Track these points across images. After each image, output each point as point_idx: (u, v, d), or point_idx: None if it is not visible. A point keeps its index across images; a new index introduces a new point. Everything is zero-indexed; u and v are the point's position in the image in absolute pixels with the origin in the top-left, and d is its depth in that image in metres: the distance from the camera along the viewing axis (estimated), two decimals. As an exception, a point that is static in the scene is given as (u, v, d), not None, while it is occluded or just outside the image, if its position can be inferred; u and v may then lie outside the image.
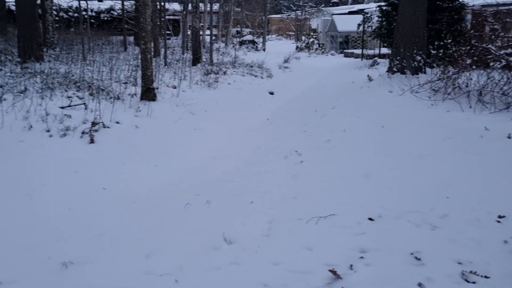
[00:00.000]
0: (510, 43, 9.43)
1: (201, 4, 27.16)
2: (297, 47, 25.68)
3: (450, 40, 14.62)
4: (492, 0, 17.94)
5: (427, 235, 3.34)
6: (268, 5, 25.00)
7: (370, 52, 19.22)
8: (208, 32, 33.53)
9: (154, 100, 8.52)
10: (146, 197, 4.59)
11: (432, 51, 14.12)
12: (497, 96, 8.44)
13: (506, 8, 16.53)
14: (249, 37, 24.51)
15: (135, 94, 8.97)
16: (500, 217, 3.64)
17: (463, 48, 10.17)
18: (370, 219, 3.60)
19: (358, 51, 20.53)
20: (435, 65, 12.79)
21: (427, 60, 13.08)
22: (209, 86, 11.36)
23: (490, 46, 8.86)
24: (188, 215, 3.99)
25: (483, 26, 15.83)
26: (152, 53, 8.74)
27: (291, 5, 35.37)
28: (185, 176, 5.31)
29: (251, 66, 14.85)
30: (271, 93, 11.59)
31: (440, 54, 13.80)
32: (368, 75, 11.32)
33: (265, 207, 3.93)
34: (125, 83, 10.31)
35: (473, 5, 21.27)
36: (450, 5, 16.22)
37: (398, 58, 11.13)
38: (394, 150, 5.40)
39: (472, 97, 8.54)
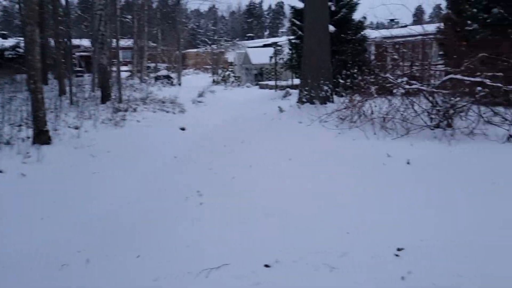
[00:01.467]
0: (406, 72, 9.95)
1: (114, 40, 26.41)
2: (213, 80, 25.66)
3: (356, 70, 15.32)
4: (389, 33, 19.21)
5: (325, 278, 3.11)
6: (182, 40, 24.91)
7: (284, 83, 19.62)
8: (121, 68, 32.64)
9: (48, 143, 7.79)
10: (17, 259, 3.95)
11: (341, 81, 14.67)
12: (399, 122, 8.76)
13: (402, 40, 17.76)
14: (164, 72, 24.12)
15: (28, 137, 8.17)
16: (398, 249, 3.52)
17: (366, 77, 10.55)
18: (267, 265, 3.31)
19: (272, 83, 20.91)
20: (343, 94, 13.24)
21: (336, 89, 13.52)
22: (116, 124, 10.76)
23: (388, 75, 9.24)
24: (61, 277, 3.44)
25: (385, 56, 16.78)
26: (43, 93, 8.02)
27: (207, 39, 35.64)
28: (69, 231, 4.70)
29: (163, 102, 14.43)
30: (183, 129, 11.22)
31: (348, 83, 14.37)
32: (279, 107, 11.37)
33: (152, 261, 3.50)
34: (19, 125, 9.44)
35: (376, 37, 22.71)
36: (354, 37, 17.09)
37: (307, 88, 11.32)
38: (299, 184, 5.23)
39: (377, 124, 8.78)
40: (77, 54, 36.37)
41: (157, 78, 23.73)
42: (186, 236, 3.93)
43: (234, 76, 25.12)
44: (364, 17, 16.82)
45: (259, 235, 3.85)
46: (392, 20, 31.51)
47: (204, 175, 6.24)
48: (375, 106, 9.62)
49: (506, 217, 4.15)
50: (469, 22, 13.46)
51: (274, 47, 19.62)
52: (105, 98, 14.44)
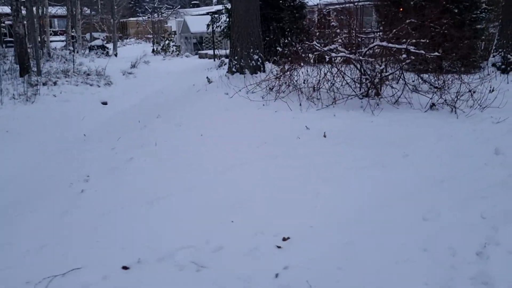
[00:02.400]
0: (335, 39, 9.56)
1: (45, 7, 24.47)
2: (153, 50, 24.44)
3: (294, 38, 14.84)
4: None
5: (188, 281, 2.68)
6: (116, 7, 23.37)
7: (223, 52, 18.89)
8: (54, 38, 30.54)
9: None
10: None
11: (279, 49, 14.18)
12: (327, 92, 8.43)
13: (340, 6, 17.37)
14: (98, 42, 22.65)
15: None
16: (284, 239, 3.14)
17: (297, 45, 10.10)
18: (125, 267, 2.83)
19: (212, 52, 20.12)
20: (281, 63, 12.78)
21: (275, 58, 13.03)
22: (27, 100, 9.81)
23: (314, 42, 8.82)
24: None
25: (324, 23, 16.32)
26: None
27: (147, 7, 33.93)
28: None
29: (88, 74, 13.42)
30: (104, 103, 10.43)
31: (286, 52, 13.91)
32: (207, 77, 10.77)
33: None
34: None
35: (318, 4, 22.24)
36: (292, 4, 16.55)
37: (236, 58, 10.75)
38: (198, 164, 4.76)
39: (305, 94, 8.42)
40: (7, 22, 33.77)
41: (91, 48, 22.28)
42: (46, 234, 3.38)
43: (175, 46, 24.00)
44: (301, -18, 16.26)
45: (130, 228, 3.36)
46: (336, -14, 30.90)
47: (103, 156, 5.64)
48: (307, 75, 9.25)
49: (407, 196, 3.87)
50: (403, -13, 13.23)
51: (211, 15, 18.75)
52: (23, 71, 13.26)
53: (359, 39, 8.93)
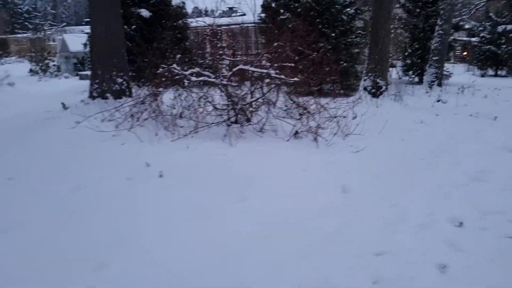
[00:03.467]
0: (201, 62, 8.84)
1: None
2: (30, 70, 22.16)
3: (176, 59, 14.02)
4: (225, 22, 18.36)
5: None
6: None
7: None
8: None
9: None
10: None
11: (159, 71, 13.22)
12: (193, 119, 7.59)
13: (226, 28, 16.95)
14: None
15: None
16: None
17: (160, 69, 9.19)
18: None
19: (94, 73, 18.54)
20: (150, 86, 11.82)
21: (155, 81, 12.06)
22: None
23: (174, 66, 8.01)
24: None
25: (205, 44, 15.65)
26: None
27: (27, 23, 31.11)
28: None
29: None
30: None
31: (167, 74, 12.99)
32: (62, 103, 9.46)
33: None
34: None
35: (209, 25, 21.75)
36: (174, 24, 15.79)
37: (98, 81, 9.60)
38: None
39: (168, 121, 7.53)
40: None
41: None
42: None
43: (56, 66, 21.93)
44: (183, 2, 15.57)
45: None
46: (231, 8, 31.06)
47: None
48: (175, 100, 8.39)
49: (228, 257, 3.08)
50: (281, 11, 13.08)
51: (88, 34, 17.26)
52: None
53: (220, 62, 8.27)
